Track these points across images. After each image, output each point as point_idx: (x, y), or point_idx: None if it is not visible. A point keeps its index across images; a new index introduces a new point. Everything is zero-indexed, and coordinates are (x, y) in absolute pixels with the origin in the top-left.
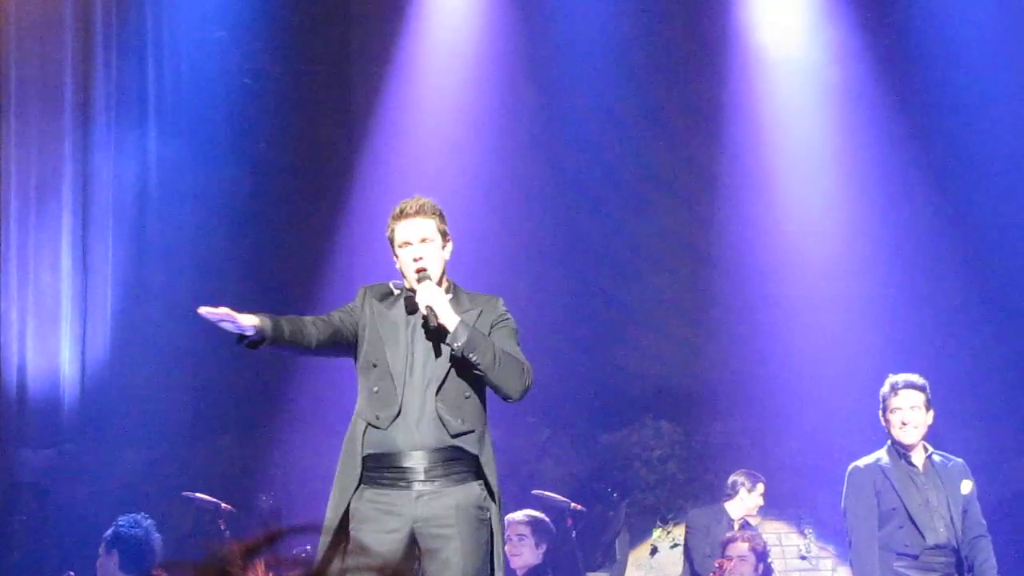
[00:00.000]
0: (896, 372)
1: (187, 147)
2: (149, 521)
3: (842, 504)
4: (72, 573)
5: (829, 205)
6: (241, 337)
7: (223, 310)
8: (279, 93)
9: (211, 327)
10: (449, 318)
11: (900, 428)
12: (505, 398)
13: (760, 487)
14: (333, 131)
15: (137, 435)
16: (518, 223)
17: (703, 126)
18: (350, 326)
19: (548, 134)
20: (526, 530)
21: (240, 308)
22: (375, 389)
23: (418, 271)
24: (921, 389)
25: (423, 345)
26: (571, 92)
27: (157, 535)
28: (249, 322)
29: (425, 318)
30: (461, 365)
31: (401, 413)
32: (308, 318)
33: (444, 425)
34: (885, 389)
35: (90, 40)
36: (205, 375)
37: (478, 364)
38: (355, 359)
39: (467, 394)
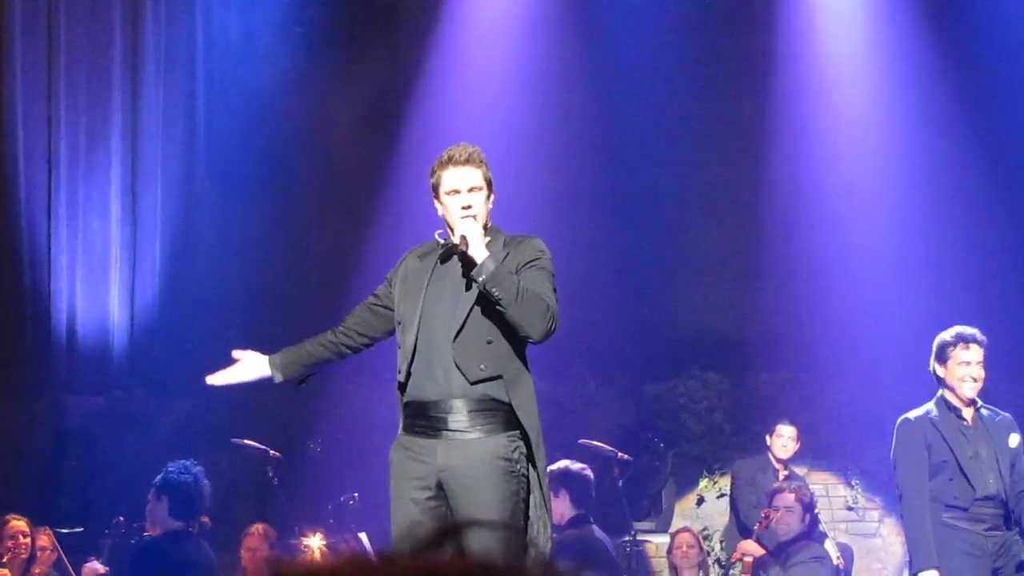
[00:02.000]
0: (942, 324)
1: (237, 100)
2: (199, 468)
3: (891, 456)
4: (121, 518)
5: (880, 158)
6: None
7: (225, 376)
8: (331, 43)
9: (257, 272)
10: (479, 251)
11: (963, 381)
12: (525, 337)
13: (781, 429)
14: (384, 81)
15: (185, 382)
16: (568, 174)
17: (755, 78)
18: (381, 309)
19: (599, 85)
20: None
21: (285, 261)
22: (399, 344)
23: (468, 217)
24: (983, 345)
25: (445, 291)
26: (623, 43)
27: (206, 482)
28: (259, 373)
29: (458, 254)
30: (483, 309)
31: (415, 363)
32: (332, 339)
33: (462, 372)
34: (948, 339)
35: None
36: (251, 323)
37: (500, 299)
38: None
39: (490, 339)
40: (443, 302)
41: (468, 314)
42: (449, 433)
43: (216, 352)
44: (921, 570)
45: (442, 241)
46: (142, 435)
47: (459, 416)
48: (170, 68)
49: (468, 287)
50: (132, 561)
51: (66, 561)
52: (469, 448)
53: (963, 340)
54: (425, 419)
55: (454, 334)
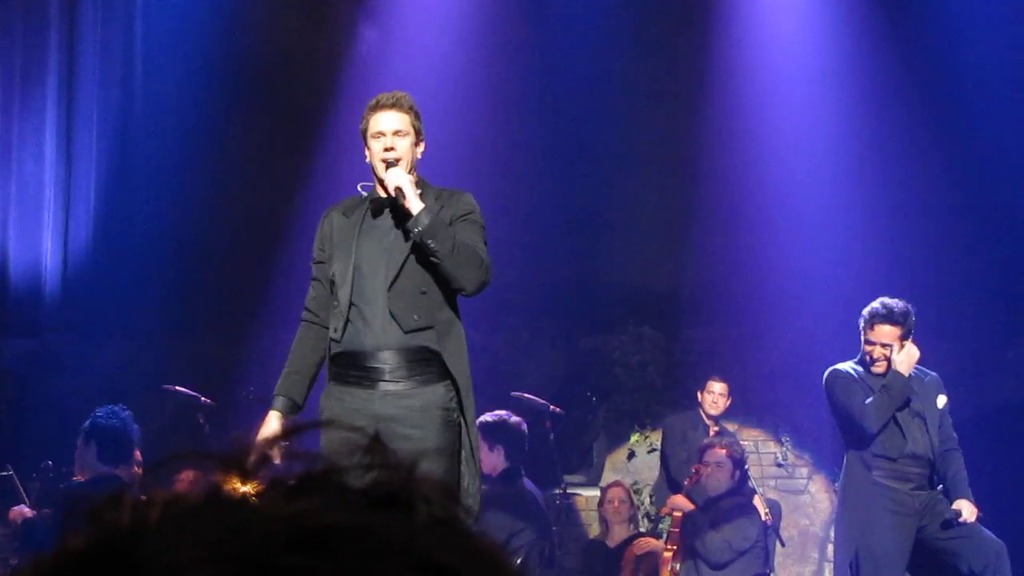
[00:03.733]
0: (876, 286)
1: (174, 41)
2: (127, 412)
3: (832, 404)
4: (50, 462)
5: (816, 113)
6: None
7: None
8: None
9: (192, 218)
10: (414, 203)
11: (871, 361)
12: (459, 290)
13: (712, 385)
14: (325, 27)
15: (118, 327)
16: (503, 130)
17: (689, 40)
18: (327, 280)
19: (536, 42)
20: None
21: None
22: (334, 304)
23: (386, 160)
24: (898, 323)
25: (377, 243)
26: (558, 2)
27: (135, 426)
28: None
29: (395, 203)
30: (417, 259)
31: (350, 315)
32: (312, 323)
33: (397, 322)
34: (864, 315)
35: None
36: (186, 270)
37: (436, 251)
38: None
39: (423, 289)
40: (376, 254)
41: (402, 265)
42: (385, 383)
43: (148, 296)
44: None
45: (365, 194)
46: (73, 379)
47: (395, 366)
48: (108, 8)
49: (403, 238)
50: (58, 505)
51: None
52: (407, 398)
53: (872, 319)
54: (360, 369)
55: (388, 284)
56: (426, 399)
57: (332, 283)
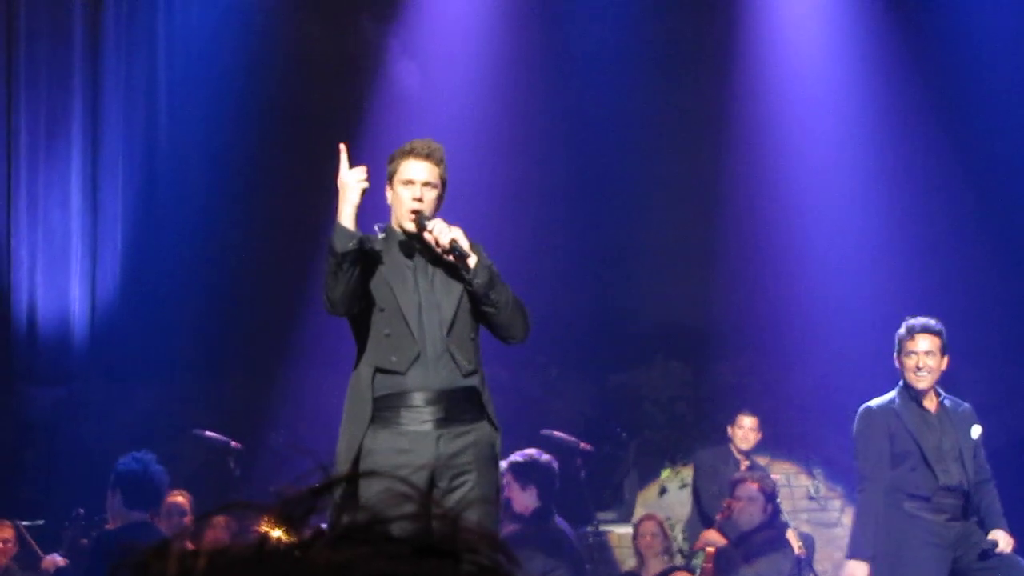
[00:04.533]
0: (906, 313)
1: (198, 86)
2: (149, 456)
3: (854, 442)
4: (81, 510)
5: (843, 146)
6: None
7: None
8: (290, 32)
9: (220, 263)
10: (471, 257)
11: (914, 373)
12: (508, 339)
13: (742, 419)
14: (345, 66)
15: (146, 373)
16: (527, 165)
17: (714, 66)
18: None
19: (557, 75)
20: (509, 477)
21: (248, 251)
22: (386, 332)
23: (414, 211)
24: (937, 334)
25: (429, 286)
26: (582, 33)
27: (158, 467)
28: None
29: (455, 254)
30: (466, 307)
31: (420, 355)
32: None
33: (457, 365)
34: (902, 332)
35: None
36: (214, 314)
37: (495, 303)
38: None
39: (472, 335)
40: (432, 294)
41: (456, 309)
42: (445, 423)
43: (177, 341)
44: (855, 558)
45: (381, 235)
46: (102, 426)
47: (451, 407)
48: (131, 54)
49: (448, 283)
50: (91, 553)
51: (37, 549)
52: (461, 438)
53: (909, 331)
54: (411, 410)
55: (448, 328)
56: (477, 436)
57: (383, 311)
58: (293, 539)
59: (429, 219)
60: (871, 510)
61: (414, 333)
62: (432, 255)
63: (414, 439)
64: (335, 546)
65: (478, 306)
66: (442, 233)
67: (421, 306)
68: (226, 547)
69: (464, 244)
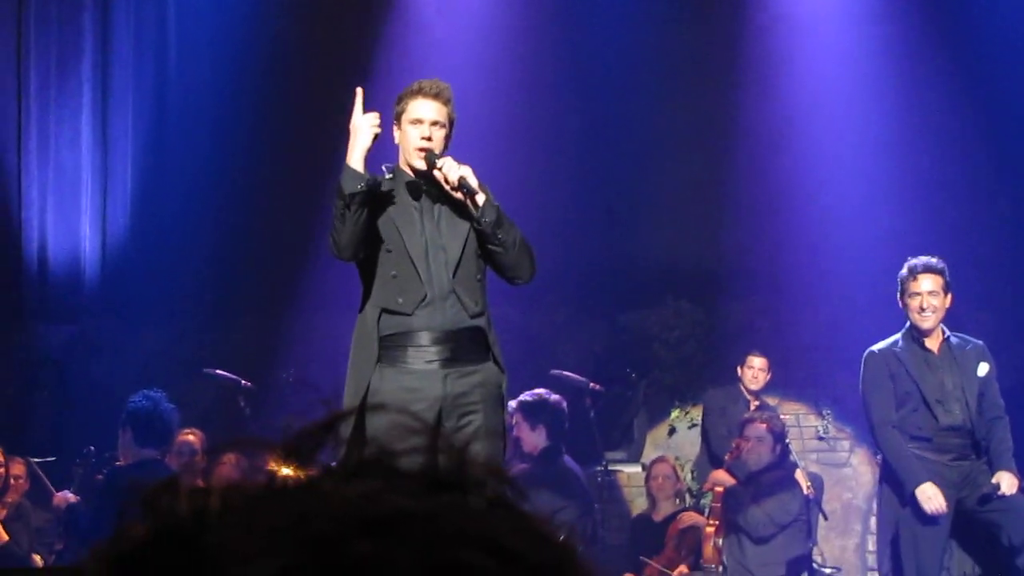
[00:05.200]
0: (915, 255)
1: (209, 20)
2: (160, 394)
3: (860, 388)
4: (92, 448)
5: (852, 88)
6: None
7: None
8: None
9: (230, 201)
10: (479, 195)
11: (918, 312)
12: (514, 280)
13: (751, 360)
14: (352, 14)
15: (157, 311)
16: (536, 113)
17: (727, 13)
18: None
19: (567, 20)
20: (518, 416)
21: (258, 190)
22: (393, 274)
23: (423, 149)
24: (939, 272)
25: (435, 227)
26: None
27: (169, 406)
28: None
29: (464, 191)
30: (472, 247)
31: (427, 296)
32: None
33: (463, 306)
34: (903, 272)
35: None
36: (224, 253)
37: (503, 242)
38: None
39: (478, 276)
40: (439, 236)
41: (462, 250)
42: (452, 363)
43: (187, 280)
44: (916, 486)
45: (388, 176)
46: (113, 364)
47: (460, 347)
48: None
49: (455, 223)
50: (102, 490)
51: (49, 485)
52: (467, 378)
53: (911, 272)
54: (418, 350)
55: (453, 270)
56: (484, 376)
57: (390, 252)
58: (302, 475)
59: (439, 157)
60: (895, 446)
61: (420, 274)
62: (439, 196)
63: (421, 378)
64: (346, 481)
65: (485, 246)
66: (451, 170)
67: (427, 247)
68: (237, 484)
69: (473, 182)
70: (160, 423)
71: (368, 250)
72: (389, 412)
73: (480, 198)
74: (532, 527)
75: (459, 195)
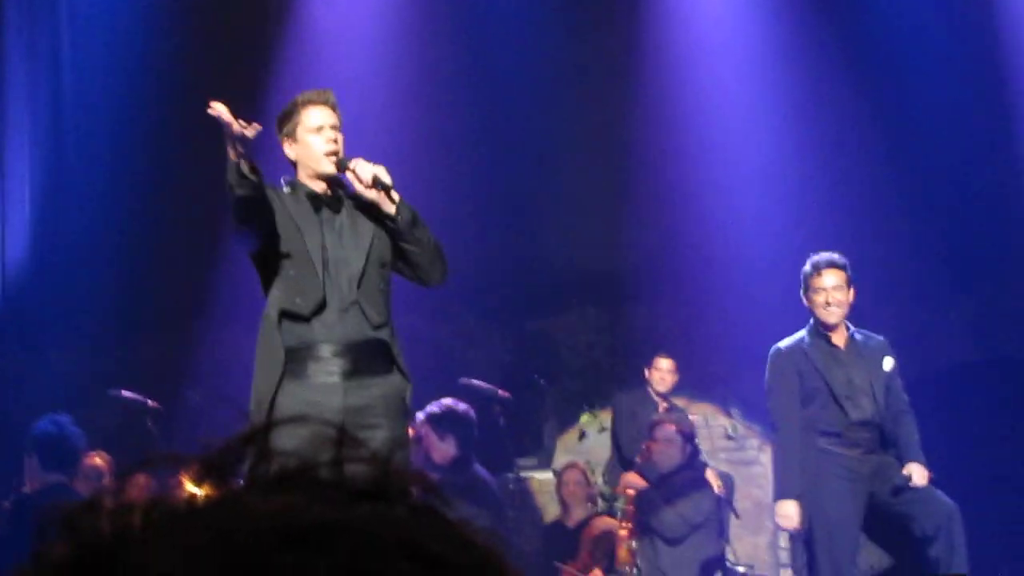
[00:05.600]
0: (816, 252)
1: (101, 44)
2: (65, 418)
3: (766, 385)
4: None
5: (748, 85)
6: (237, 167)
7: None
8: None
9: (131, 221)
10: (394, 193)
11: (824, 308)
12: (428, 280)
13: (659, 362)
14: (247, 23)
15: (60, 335)
16: (435, 116)
17: (626, 15)
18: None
19: (465, 23)
20: (426, 428)
21: (160, 208)
22: (291, 273)
23: (333, 153)
24: (842, 268)
25: (338, 238)
26: None
27: (75, 430)
28: (249, 133)
29: (339, 203)
30: (376, 258)
31: (325, 301)
32: None
33: (366, 317)
34: (807, 269)
35: None
36: (126, 275)
37: (419, 240)
38: (258, 252)
39: (381, 286)
40: (341, 248)
41: (366, 262)
42: (353, 375)
43: (90, 303)
44: (783, 498)
45: (287, 190)
46: (18, 391)
47: (361, 359)
48: (33, 10)
49: (358, 235)
50: (8, 518)
51: None
52: (368, 390)
53: (815, 268)
54: (318, 362)
55: (358, 281)
56: (386, 388)
57: (288, 255)
58: (221, 492)
59: (349, 159)
60: (789, 449)
61: (320, 277)
62: (339, 208)
63: (321, 391)
64: (268, 494)
65: (400, 245)
66: (365, 169)
67: (328, 259)
68: (159, 501)
69: (387, 179)
70: (66, 447)
71: (269, 253)
72: (305, 423)
73: (395, 195)
74: (455, 532)
75: (373, 193)
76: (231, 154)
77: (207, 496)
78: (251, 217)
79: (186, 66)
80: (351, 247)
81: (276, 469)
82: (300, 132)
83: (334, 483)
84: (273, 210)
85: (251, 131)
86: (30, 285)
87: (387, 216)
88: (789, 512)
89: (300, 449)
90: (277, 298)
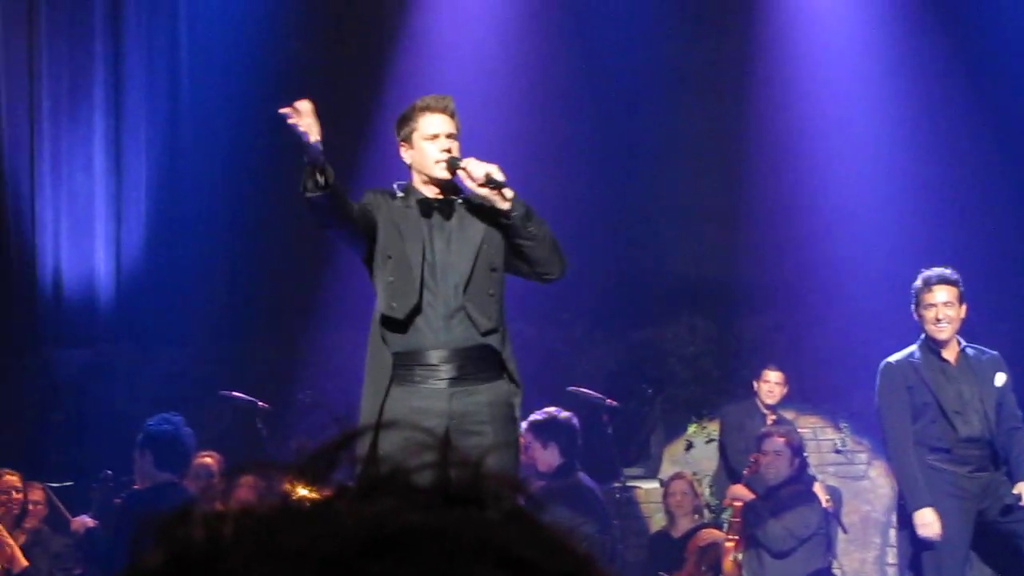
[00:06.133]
0: (930, 267)
1: (219, 47)
2: (178, 418)
3: (876, 400)
4: (109, 472)
5: (866, 99)
6: (312, 173)
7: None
8: None
9: (243, 223)
10: (507, 190)
11: (934, 324)
12: (545, 276)
13: (767, 374)
14: (369, 33)
15: (173, 334)
16: (550, 124)
17: (740, 19)
18: (370, 219)
19: (581, 32)
20: (529, 436)
21: (271, 210)
22: (390, 279)
23: (446, 161)
24: (954, 283)
25: (446, 245)
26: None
27: (187, 430)
28: (315, 137)
29: (492, 186)
30: (484, 264)
31: (422, 305)
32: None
33: (473, 323)
34: (918, 284)
35: None
36: (239, 275)
37: (534, 235)
38: (367, 257)
39: (491, 292)
40: (448, 253)
41: (473, 267)
42: (454, 383)
43: (202, 303)
44: (916, 509)
45: (401, 193)
46: (130, 388)
47: (467, 364)
48: (152, 16)
49: (467, 240)
50: (119, 514)
51: (65, 512)
52: (477, 395)
53: (926, 283)
54: (425, 368)
55: (464, 286)
56: (493, 395)
57: (390, 258)
58: (317, 496)
59: (460, 159)
60: (906, 462)
61: (415, 281)
62: (450, 214)
63: (427, 396)
64: (360, 500)
65: (516, 242)
66: (477, 167)
67: (436, 264)
68: (251, 507)
69: (500, 176)
70: (179, 447)
71: (374, 258)
72: (402, 429)
73: (508, 192)
74: (549, 537)
75: (486, 191)
76: (305, 159)
77: (301, 501)
78: (326, 222)
79: (302, 74)
80: (460, 251)
81: (369, 475)
82: (416, 138)
83: (427, 488)
84: (354, 215)
85: (313, 132)
86: (144, 283)
87: (501, 213)
88: (928, 520)
89: (395, 454)
90: (379, 302)
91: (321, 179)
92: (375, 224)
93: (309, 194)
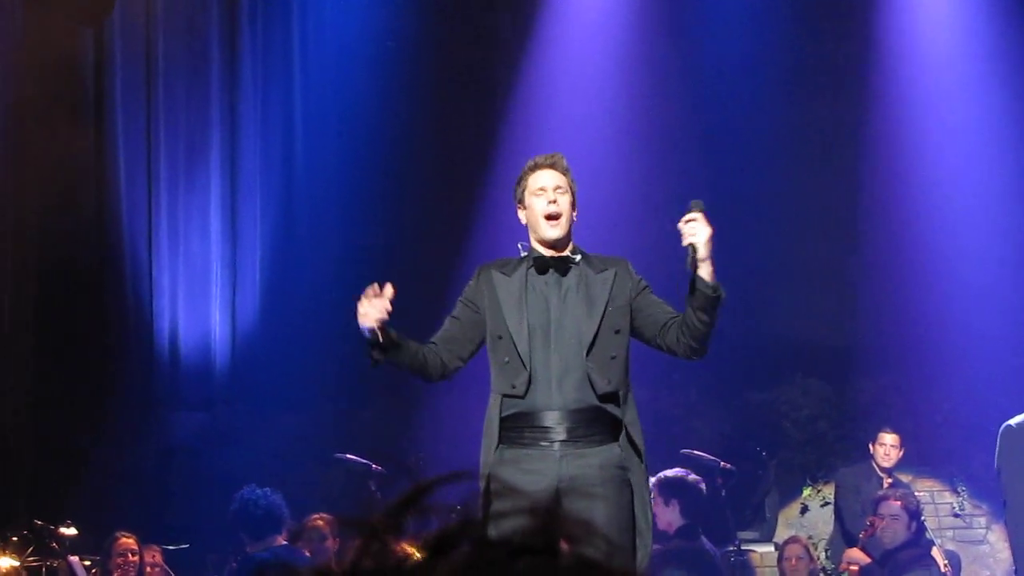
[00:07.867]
0: None
1: (334, 113)
2: (260, 491)
3: (995, 463)
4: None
5: (983, 157)
6: (368, 350)
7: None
8: (421, 55)
9: (358, 287)
10: (707, 265)
11: None
12: (694, 355)
13: (883, 437)
14: (473, 94)
15: (287, 397)
16: (664, 181)
17: (852, 79)
18: (469, 324)
19: (694, 91)
20: (654, 492)
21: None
22: (505, 360)
23: (549, 214)
24: None
25: (562, 303)
26: (713, 41)
27: (274, 499)
28: (368, 324)
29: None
30: (609, 325)
31: (532, 376)
32: (432, 349)
33: (592, 385)
34: None
35: (235, 6)
36: (352, 339)
37: (713, 321)
38: (482, 340)
39: (613, 355)
40: (566, 312)
41: (598, 328)
42: (563, 445)
43: (317, 366)
44: None
45: (524, 253)
46: (245, 451)
47: (575, 427)
48: (267, 83)
49: (589, 300)
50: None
51: None
52: (585, 459)
53: None
54: (535, 430)
55: (587, 348)
56: (603, 458)
57: (500, 338)
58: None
59: (698, 207)
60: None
61: (523, 359)
62: (568, 271)
63: (537, 459)
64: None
65: (698, 315)
66: (699, 230)
67: (551, 323)
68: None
69: (701, 251)
70: (267, 519)
71: (489, 340)
72: (507, 495)
73: (705, 269)
74: None
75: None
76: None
77: (375, 561)
78: (412, 375)
79: (415, 132)
80: (583, 310)
81: (441, 527)
82: (526, 195)
83: (498, 540)
84: (438, 363)
85: (366, 320)
86: (259, 347)
87: (703, 282)
88: None
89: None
90: (497, 383)
91: (379, 356)
92: (481, 320)
93: (372, 363)
